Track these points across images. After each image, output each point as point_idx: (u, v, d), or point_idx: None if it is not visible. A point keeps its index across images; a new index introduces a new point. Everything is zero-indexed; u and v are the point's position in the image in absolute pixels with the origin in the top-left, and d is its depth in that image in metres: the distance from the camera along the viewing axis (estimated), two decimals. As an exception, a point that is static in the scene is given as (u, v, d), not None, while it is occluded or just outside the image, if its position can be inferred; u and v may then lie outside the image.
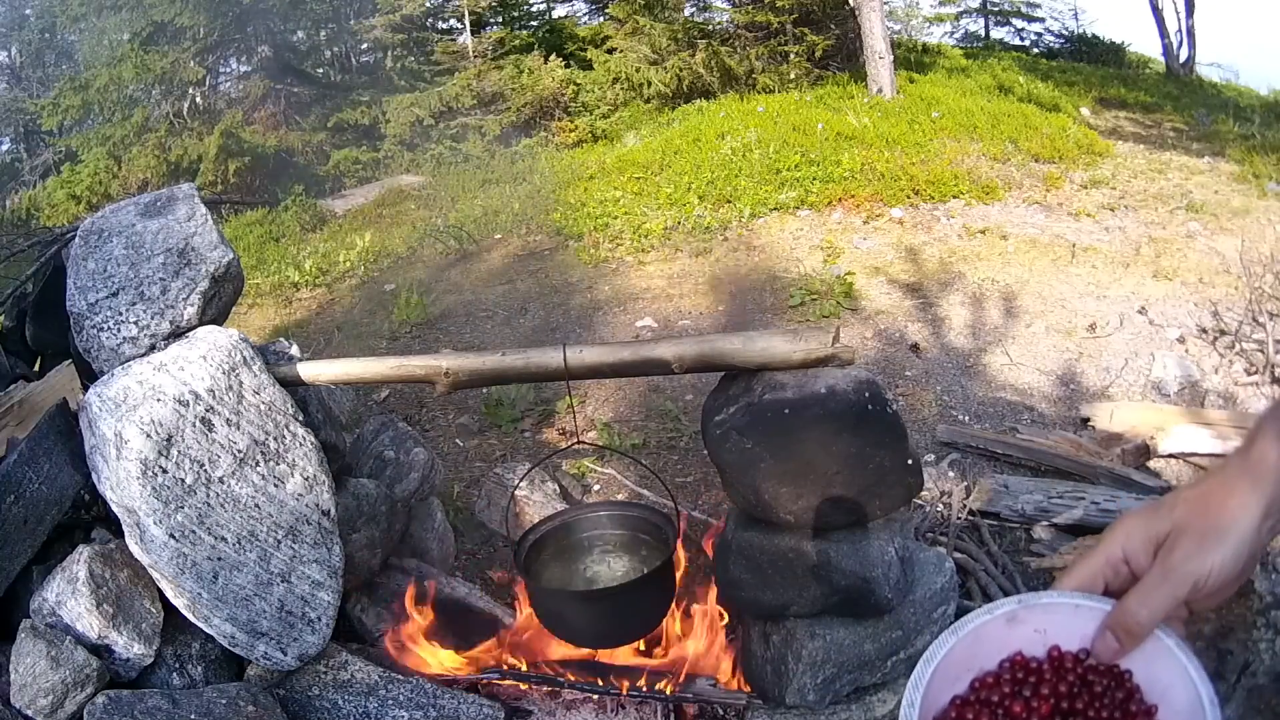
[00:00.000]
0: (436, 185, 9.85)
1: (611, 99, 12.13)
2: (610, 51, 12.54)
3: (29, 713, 1.68)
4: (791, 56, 11.88)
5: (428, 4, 13.42)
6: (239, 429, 1.84)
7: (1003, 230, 6.14)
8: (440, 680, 1.99)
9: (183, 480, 1.75)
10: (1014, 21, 17.76)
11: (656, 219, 6.89)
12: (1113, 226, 6.18)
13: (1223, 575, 0.64)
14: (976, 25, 18.08)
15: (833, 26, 11.90)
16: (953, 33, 18.05)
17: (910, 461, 1.80)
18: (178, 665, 1.87)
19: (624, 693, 1.93)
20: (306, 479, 1.93)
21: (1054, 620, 0.70)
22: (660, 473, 3.42)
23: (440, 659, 2.10)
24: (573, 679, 1.99)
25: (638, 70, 11.96)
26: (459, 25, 13.94)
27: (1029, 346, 4.53)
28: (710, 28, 12.87)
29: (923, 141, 7.96)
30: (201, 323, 1.94)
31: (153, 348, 1.87)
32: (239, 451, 1.83)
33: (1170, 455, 3.34)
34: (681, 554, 2.22)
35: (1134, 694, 0.66)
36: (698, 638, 2.13)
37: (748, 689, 2.02)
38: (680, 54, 11.94)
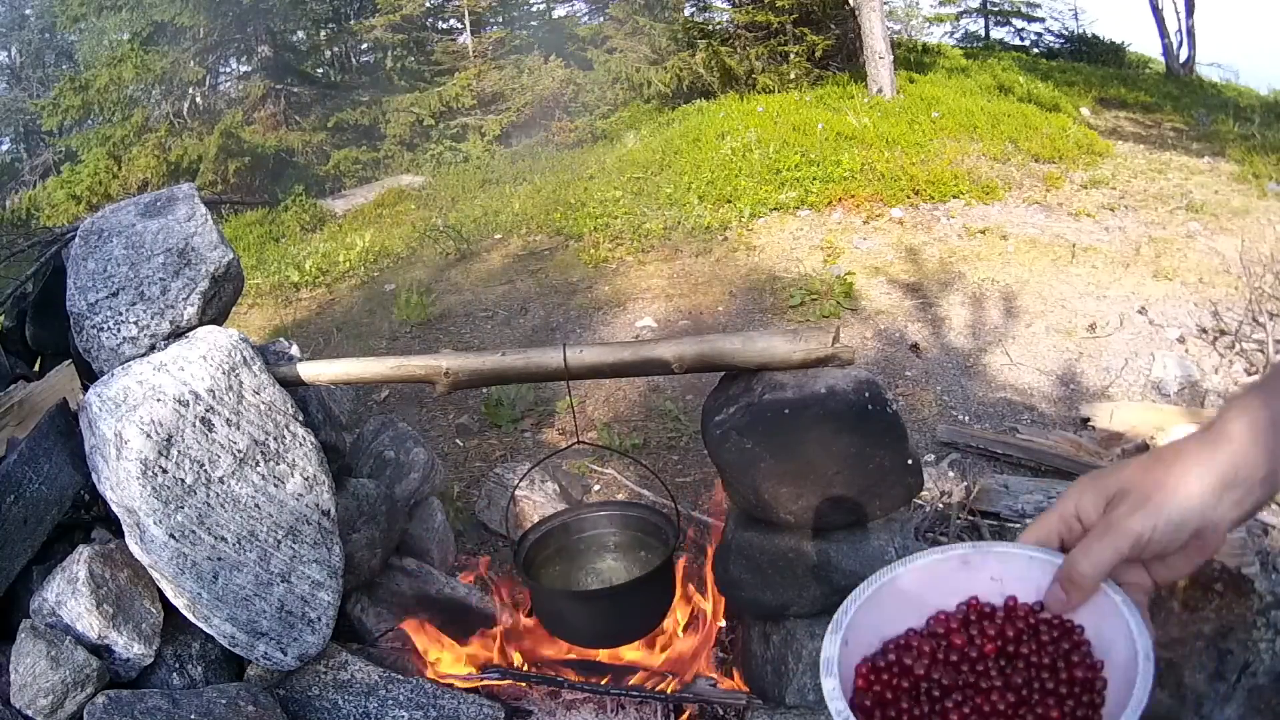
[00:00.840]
0: (436, 185, 9.85)
1: (611, 99, 12.13)
2: (610, 51, 12.55)
3: (29, 713, 1.68)
4: (791, 56, 11.88)
5: (428, 4, 13.43)
6: (239, 429, 1.84)
7: (1003, 230, 6.14)
8: (440, 680, 2.00)
9: (183, 480, 1.75)
10: (1014, 21, 17.77)
11: (656, 219, 6.89)
12: (1113, 226, 6.18)
13: (1165, 537, 0.64)
14: (976, 25, 18.10)
15: (833, 26, 11.90)
16: (953, 33, 18.07)
17: (910, 461, 1.80)
18: (178, 665, 1.87)
19: (624, 692, 1.93)
20: (306, 479, 1.93)
21: (1010, 571, 0.72)
22: (660, 473, 3.42)
23: (441, 658, 2.10)
24: (573, 679, 1.99)
25: (638, 70, 11.96)
26: (459, 25, 13.95)
27: (1029, 346, 4.53)
28: (710, 28, 12.87)
29: (923, 141, 7.96)
30: (201, 323, 1.94)
31: (153, 348, 1.87)
32: (239, 451, 1.83)
33: (1170, 455, 3.34)
34: (680, 554, 2.22)
35: (1080, 646, 0.68)
36: (696, 637, 2.13)
37: (748, 689, 2.02)
38: (680, 54, 11.94)
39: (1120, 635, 0.65)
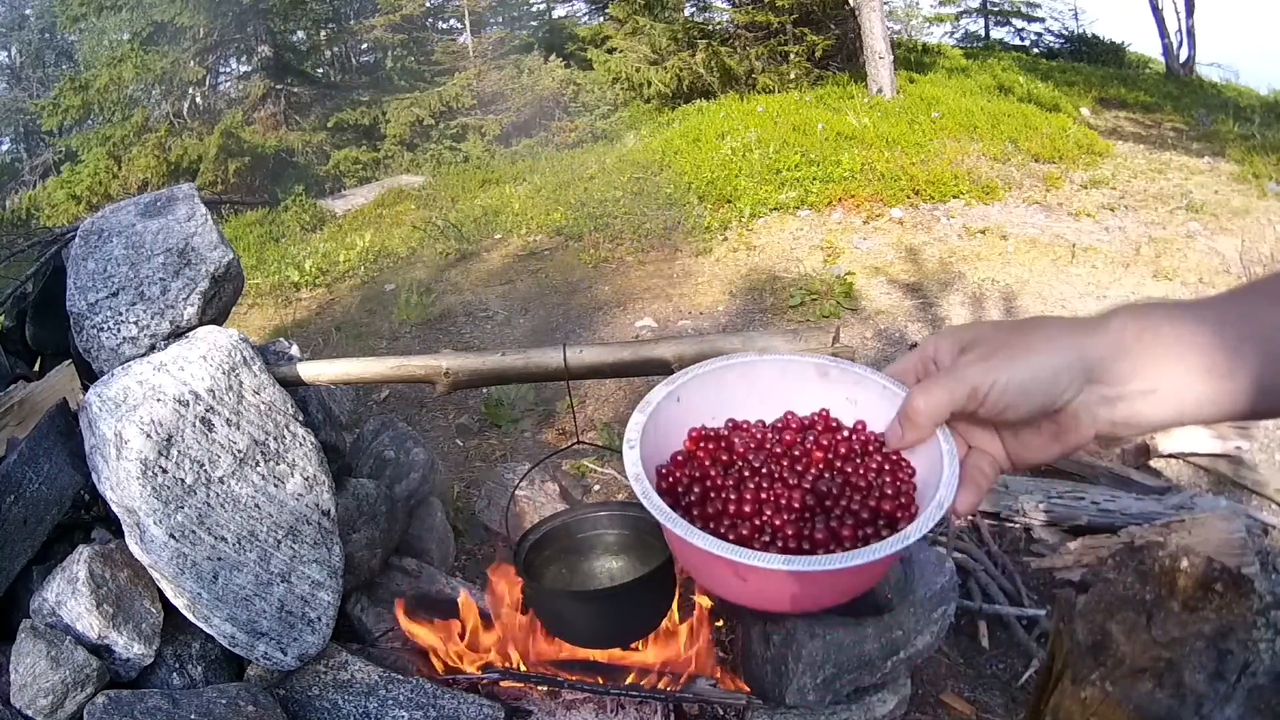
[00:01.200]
0: (436, 185, 9.85)
1: (611, 99, 12.13)
2: (610, 51, 12.54)
3: (29, 713, 1.68)
4: (791, 56, 11.88)
5: (428, 4, 13.43)
6: (239, 429, 1.84)
7: (1003, 230, 6.14)
8: (440, 680, 2.00)
9: (183, 480, 1.75)
10: (1014, 21, 17.78)
11: (656, 219, 6.89)
12: (1113, 226, 6.18)
13: (1004, 398, 0.62)
14: (976, 25, 18.10)
15: (833, 26, 11.90)
16: (953, 33, 18.07)
17: (910, 461, 1.80)
18: (178, 665, 1.87)
19: (624, 692, 1.93)
20: (306, 479, 1.93)
21: (865, 396, 0.73)
22: (660, 473, 3.41)
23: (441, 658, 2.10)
24: (573, 679, 1.99)
25: (638, 70, 11.96)
26: (459, 25, 13.95)
27: (1029, 346, 4.52)
28: (710, 28, 12.87)
29: (923, 141, 7.96)
30: (201, 323, 1.94)
31: (153, 348, 1.87)
32: (239, 451, 1.83)
33: (1170, 455, 3.34)
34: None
35: (900, 484, 0.68)
36: (695, 637, 2.13)
37: (748, 689, 2.02)
38: (680, 54, 11.94)
39: (935, 479, 0.65)
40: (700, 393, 0.74)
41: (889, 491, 0.68)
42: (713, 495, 0.69)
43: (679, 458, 0.72)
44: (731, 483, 0.69)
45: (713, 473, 0.70)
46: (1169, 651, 0.73)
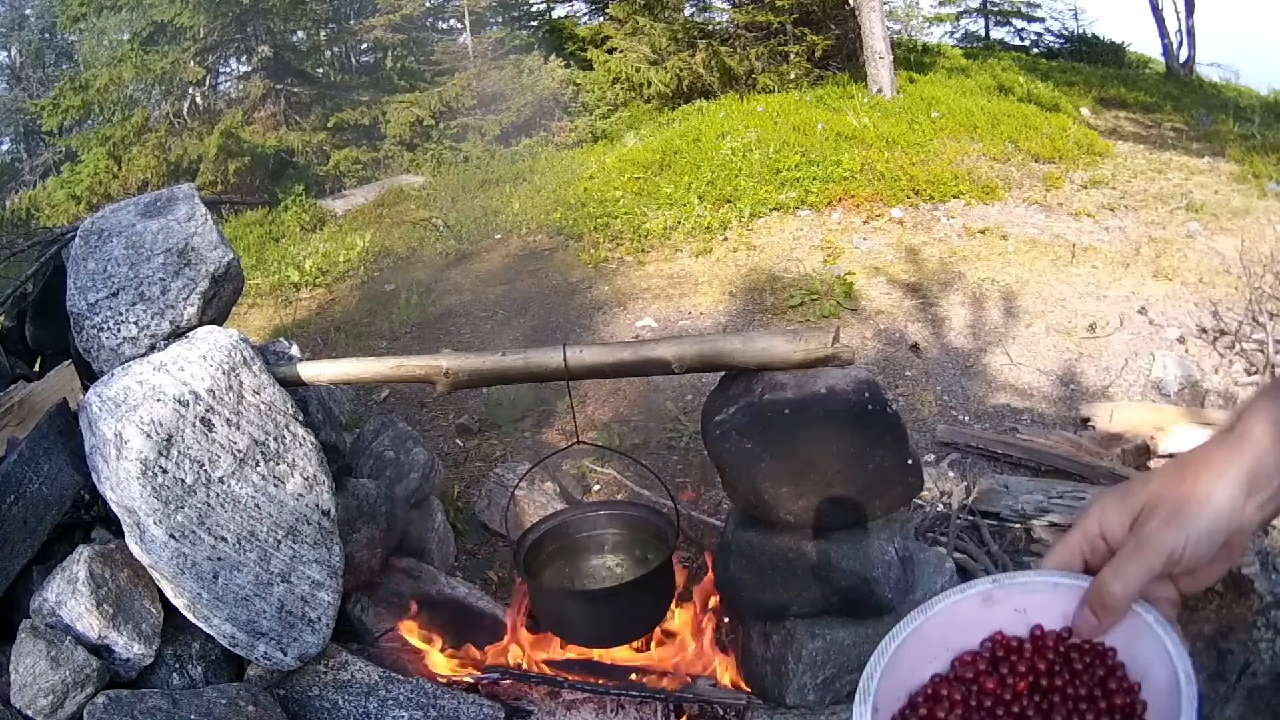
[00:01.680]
0: (436, 185, 9.84)
1: (611, 99, 12.13)
2: (610, 51, 12.54)
3: (29, 713, 1.68)
4: (791, 56, 11.88)
5: (428, 4, 13.43)
6: (239, 429, 1.84)
7: (1003, 230, 6.14)
8: (440, 680, 1.99)
9: (183, 480, 1.75)
10: (1014, 21, 17.77)
11: (656, 219, 6.88)
12: (1113, 226, 6.18)
13: (1199, 549, 0.62)
14: (976, 25, 18.10)
15: (833, 26, 11.90)
16: (953, 33, 18.07)
17: (910, 461, 1.80)
18: (178, 665, 1.87)
19: (624, 692, 1.93)
20: (306, 479, 1.93)
21: (1034, 600, 0.69)
22: (660, 473, 3.41)
23: (439, 661, 2.10)
24: (573, 679, 1.99)
25: (638, 70, 11.96)
26: (459, 25, 13.95)
27: (1029, 346, 4.52)
28: (710, 28, 12.87)
29: (923, 141, 7.96)
30: (201, 323, 1.94)
31: (153, 348, 1.87)
32: (239, 451, 1.83)
33: (1170, 455, 3.34)
34: (679, 554, 2.22)
35: (1115, 670, 0.65)
36: (695, 637, 2.13)
37: (748, 689, 2.02)
38: (680, 54, 11.94)
39: (1156, 655, 0.62)
40: (884, 687, 0.68)
41: (1111, 685, 0.64)
42: None
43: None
44: None
45: None
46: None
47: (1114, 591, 0.63)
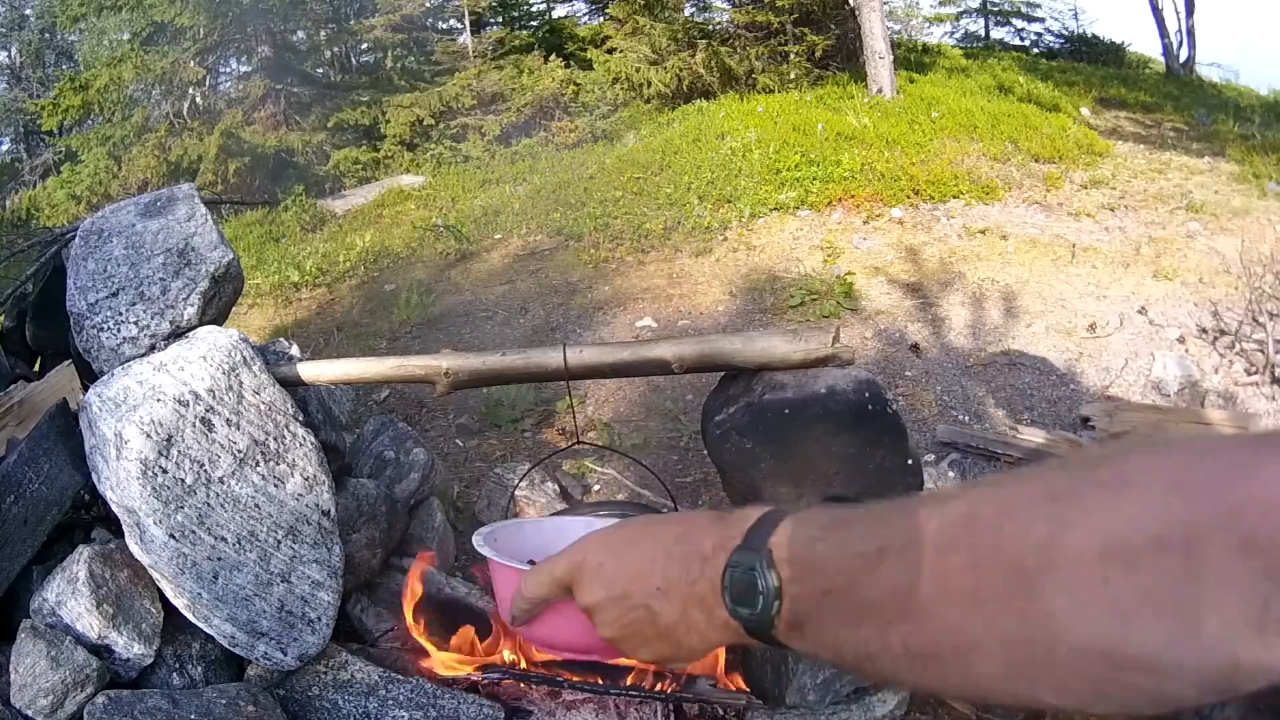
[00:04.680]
0: (436, 185, 9.85)
1: (611, 99, 12.12)
2: (610, 51, 12.54)
3: (29, 713, 1.68)
4: (791, 56, 11.89)
5: (428, 4, 13.43)
6: (239, 429, 1.84)
7: (1003, 230, 6.14)
8: (440, 680, 1.99)
9: (183, 480, 1.75)
10: (1014, 21, 17.78)
11: (656, 219, 6.89)
12: (1113, 226, 6.18)
13: (593, 600, 0.62)
14: (976, 25, 18.11)
15: (833, 26, 11.91)
16: (953, 33, 18.08)
17: (910, 461, 1.80)
18: (178, 665, 1.87)
19: (624, 692, 1.93)
20: (306, 479, 1.93)
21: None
22: (660, 473, 3.41)
23: (441, 659, 2.10)
24: (573, 679, 1.99)
25: (638, 70, 11.96)
26: (459, 25, 13.96)
27: (1029, 346, 4.52)
28: (710, 28, 12.88)
29: (923, 141, 7.96)
30: (201, 323, 1.94)
31: (153, 348, 1.87)
32: (239, 451, 1.83)
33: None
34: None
35: None
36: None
37: (748, 689, 2.02)
38: (680, 54, 11.94)
39: None
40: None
41: None
42: None
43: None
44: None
45: None
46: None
47: (523, 588, 0.69)
